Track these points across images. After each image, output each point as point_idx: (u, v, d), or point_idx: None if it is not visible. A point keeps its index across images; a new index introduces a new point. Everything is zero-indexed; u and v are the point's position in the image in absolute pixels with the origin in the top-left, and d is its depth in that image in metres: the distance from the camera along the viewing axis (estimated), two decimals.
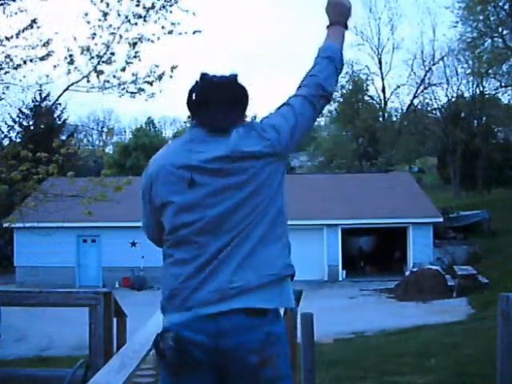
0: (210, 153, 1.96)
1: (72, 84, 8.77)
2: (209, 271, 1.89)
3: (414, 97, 41.09)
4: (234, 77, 2.08)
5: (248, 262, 1.89)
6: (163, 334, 1.89)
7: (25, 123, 28.36)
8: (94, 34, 8.46)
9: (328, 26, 2.23)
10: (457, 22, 31.57)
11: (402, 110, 42.95)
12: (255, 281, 1.87)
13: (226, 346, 1.86)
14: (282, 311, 1.98)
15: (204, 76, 2.08)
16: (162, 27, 8.57)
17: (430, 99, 41.60)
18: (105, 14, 8.43)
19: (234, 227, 1.91)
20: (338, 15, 2.22)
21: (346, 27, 2.24)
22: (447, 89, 40.35)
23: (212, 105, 2.03)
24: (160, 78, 8.62)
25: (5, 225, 11.68)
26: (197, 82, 2.09)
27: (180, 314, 1.90)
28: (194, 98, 2.08)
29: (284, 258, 1.96)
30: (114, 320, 4.19)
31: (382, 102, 42.48)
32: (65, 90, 8.99)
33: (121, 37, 8.58)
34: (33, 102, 26.58)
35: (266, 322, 1.88)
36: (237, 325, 1.86)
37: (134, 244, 20.61)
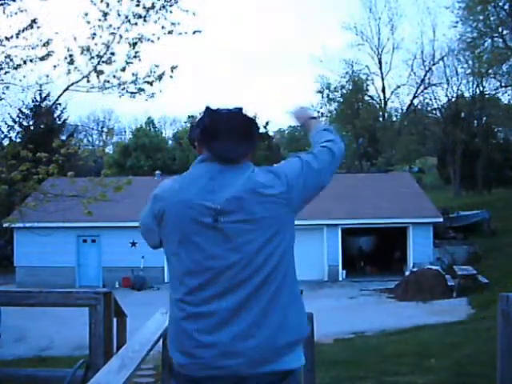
0: (228, 191, 1.95)
1: (72, 84, 8.77)
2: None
3: (414, 97, 41.13)
4: (240, 110, 2.11)
5: (279, 325, 1.92)
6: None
7: (25, 123, 28.36)
8: (94, 34, 8.46)
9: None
10: (457, 22, 31.61)
11: (402, 110, 43.00)
12: (288, 347, 1.93)
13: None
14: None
15: (211, 110, 2.10)
16: (162, 27, 8.57)
17: (430, 99, 41.66)
18: (105, 14, 8.43)
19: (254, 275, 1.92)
20: (305, 118, 2.49)
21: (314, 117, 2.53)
22: (447, 89, 40.41)
23: (223, 137, 2.03)
24: (160, 78, 8.62)
25: (5, 225, 11.67)
26: (204, 116, 2.10)
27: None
28: (203, 131, 2.08)
29: (305, 318, 2.03)
30: (114, 320, 4.19)
31: (382, 102, 42.50)
32: (65, 90, 8.99)
33: (121, 37, 8.58)
34: (33, 101, 26.60)
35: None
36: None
37: (133, 244, 20.60)
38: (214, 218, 1.92)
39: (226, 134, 2.04)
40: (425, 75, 40.11)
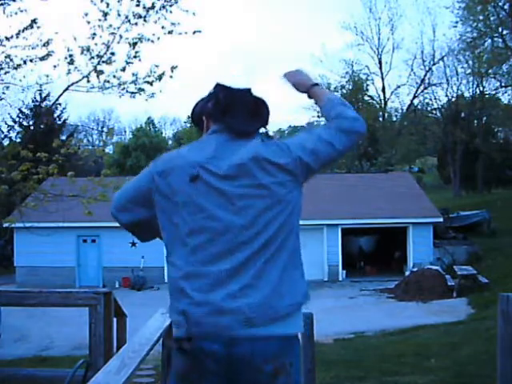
0: (232, 158, 1.96)
1: (72, 84, 8.77)
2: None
3: (414, 97, 41.13)
4: (249, 89, 2.13)
5: (275, 286, 1.90)
6: (179, 340, 1.92)
7: (25, 123, 28.37)
8: (94, 34, 8.47)
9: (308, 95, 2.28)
10: (457, 22, 31.62)
11: (402, 110, 43.02)
12: (283, 309, 1.90)
13: (240, 355, 1.86)
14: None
15: (223, 86, 2.10)
16: (162, 27, 8.58)
17: (430, 99, 41.69)
18: (105, 14, 8.43)
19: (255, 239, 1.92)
20: (306, 86, 2.27)
21: (316, 84, 2.27)
22: (447, 89, 40.43)
23: (237, 111, 2.05)
24: (160, 78, 8.63)
25: (5, 225, 11.67)
26: (216, 91, 2.11)
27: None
28: (216, 104, 2.08)
29: (305, 285, 2.01)
30: (114, 320, 4.19)
31: (382, 102, 42.50)
32: (65, 90, 8.99)
33: (121, 37, 8.59)
34: (33, 101, 26.61)
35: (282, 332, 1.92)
36: (253, 336, 1.87)
37: (133, 244, 20.58)
38: (217, 181, 1.94)
39: (240, 108, 2.05)
40: (425, 75, 40.13)
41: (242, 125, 2.03)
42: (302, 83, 2.28)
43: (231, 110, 2.05)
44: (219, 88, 2.10)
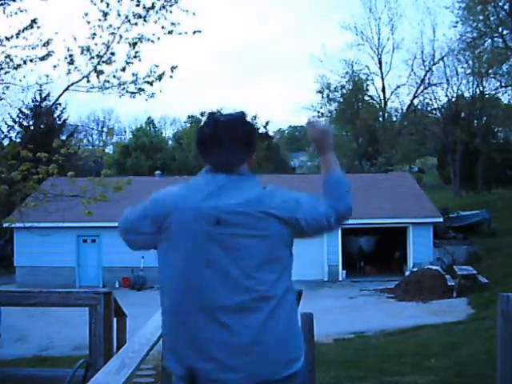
0: (233, 203, 1.98)
1: (72, 84, 8.76)
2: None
3: (414, 97, 41.13)
4: (241, 114, 2.14)
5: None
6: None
7: (25, 123, 28.37)
8: (94, 34, 8.46)
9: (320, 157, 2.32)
10: (457, 22, 31.62)
11: (402, 110, 43.01)
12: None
13: None
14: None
15: (207, 120, 2.13)
16: (162, 27, 8.57)
17: (430, 99, 41.67)
18: (105, 14, 8.43)
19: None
20: (323, 148, 2.29)
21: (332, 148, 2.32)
22: (447, 89, 40.42)
23: (223, 145, 2.06)
24: (160, 78, 8.62)
25: (5, 225, 11.66)
26: (206, 122, 2.14)
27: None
28: (198, 144, 2.13)
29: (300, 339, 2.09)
30: (114, 320, 4.19)
31: (382, 102, 42.50)
32: (65, 90, 8.98)
33: (121, 37, 8.58)
34: (33, 101, 26.63)
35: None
36: None
37: None
38: (218, 226, 1.95)
39: (224, 141, 2.07)
40: (425, 75, 40.13)
41: (222, 159, 2.04)
42: (322, 146, 2.29)
43: (214, 145, 2.07)
44: (205, 122, 2.14)
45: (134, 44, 8.59)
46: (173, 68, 8.63)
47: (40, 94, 23.49)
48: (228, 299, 1.90)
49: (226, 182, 2.01)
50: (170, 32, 8.58)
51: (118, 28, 8.52)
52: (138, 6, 8.52)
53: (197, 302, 1.93)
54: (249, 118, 2.23)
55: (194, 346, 1.92)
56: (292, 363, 1.96)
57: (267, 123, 48.01)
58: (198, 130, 2.16)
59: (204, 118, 2.20)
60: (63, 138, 25.51)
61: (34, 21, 8.35)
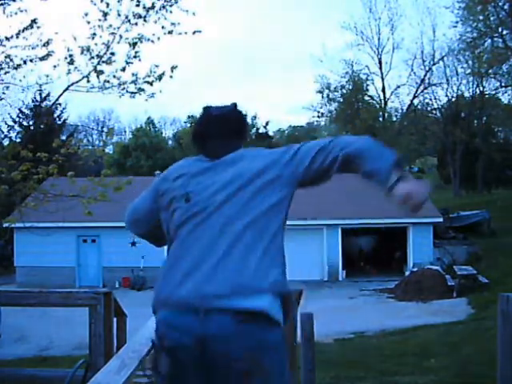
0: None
1: (72, 84, 8.76)
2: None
3: (414, 97, 41.07)
4: (233, 106, 2.22)
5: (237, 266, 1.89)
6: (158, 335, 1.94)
7: (25, 123, 28.35)
8: (94, 34, 8.45)
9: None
10: (457, 22, 31.58)
11: (402, 110, 42.92)
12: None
13: (214, 351, 1.81)
14: (280, 318, 1.92)
15: (205, 110, 2.23)
16: (162, 27, 8.57)
17: (430, 99, 41.61)
18: (105, 14, 8.43)
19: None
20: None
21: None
22: (447, 89, 40.37)
23: (212, 137, 2.16)
24: (160, 78, 8.62)
25: (5, 225, 11.66)
26: (199, 117, 2.26)
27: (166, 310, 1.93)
28: (196, 132, 2.23)
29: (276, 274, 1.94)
30: (114, 320, 4.19)
31: (382, 102, 42.44)
32: (65, 90, 8.98)
33: (121, 37, 8.58)
34: (33, 101, 26.58)
35: (258, 328, 1.82)
36: (227, 330, 1.80)
37: (133, 244, 20.58)
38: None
39: (217, 132, 2.16)
40: (425, 75, 40.08)
41: (216, 150, 2.12)
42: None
43: (208, 135, 2.17)
44: (199, 116, 2.25)
45: (134, 44, 8.59)
46: (173, 68, 8.63)
47: (40, 94, 23.45)
48: None
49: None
50: (170, 32, 8.58)
51: (118, 28, 8.53)
52: (137, 6, 8.52)
53: None
54: (242, 110, 2.28)
55: None
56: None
57: (267, 123, 48.05)
58: (193, 125, 2.31)
59: (199, 113, 2.27)
60: (63, 138, 25.50)
61: (34, 21, 8.35)
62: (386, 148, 2.07)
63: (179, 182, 2.09)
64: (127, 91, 8.74)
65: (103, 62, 8.59)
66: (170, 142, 52.61)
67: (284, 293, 1.92)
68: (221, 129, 2.15)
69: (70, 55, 8.49)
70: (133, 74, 8.68)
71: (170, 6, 8.58)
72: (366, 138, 2.14)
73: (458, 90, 40.13)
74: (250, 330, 1.81)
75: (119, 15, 8.49)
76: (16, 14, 8.39)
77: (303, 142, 2.16)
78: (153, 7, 8.56)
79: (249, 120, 46.57)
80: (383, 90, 42.16)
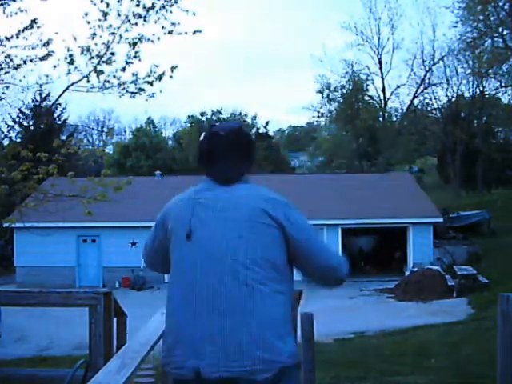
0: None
1: (72, 84, 8.76)
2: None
3: (414, 97, 41.11)
4: (240, 126, 2.16)
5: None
6: None
7: (25, 123, 28.37)
8: (94, 34, 8.45)
9: None
10: (457, 22, 31.60)
11: (402, 110, 42.98)
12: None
13: None
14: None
15: (211, 129, 2.15)
16: (162, 27, 8.57)
17: (430, 99, 41.66)
18: (105, 14, 8.43)
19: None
20: None
21: None
22: (447, 89, 40.41)
23: (219, 158, 2.10)
24: (160, 78, 8.62)
25: (5, 225, 11.66)
26: (205, 135, 2.16)
27: None
28: (202, 151, 2.15)
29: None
30: (114, 320, 4.19)
31: (382, 102, 42.47)
32: (65, 90, 8.98)
33: (121, 37, 8.58)
34: (33, 101, 26.60)
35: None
36: None
37: (133, 244, 20.60)
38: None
39: (224, 154, 2.10)
40: (425, 75, 40.11)
41: (223, 171, 2.08)
42: None
43: (214, 158, 2.11)
44: (205, 135, 2.16)
45: (134, 44, 8.59)
46: (173, 68, 8.63)
47: (40, 94, 23.47)
48: None
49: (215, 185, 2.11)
50: (170, 32, 8.57)
51: (118, 28, 8.53)
52: (137, 6, 8.52)
53: None
54: (247, 129, 2.25)
55: None
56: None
57: (267, 123, 48.02)
58: (198, 144, 2.19)
59: (204, 133, 2.20)
60: (63, 138, 25.52)
61: (34, 21, 8.35)
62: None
63: (181, 217, 2.05)
64: (127, 91, 8.74)
65: (103, 61, 8.59)
66: (170, 142, 52.59)
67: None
68: (230, 150, 2.10)
69: (70, 55, 8.49)
70: (133, 74, 8.69)
71: (170, 6, 8.58)
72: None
73: (458, 89, 40.21)
74: None
75: (119, 15, 8.49)
76: (16, 14, 8.39)
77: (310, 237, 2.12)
78: (153, 7, 8.56)
79: (249, 120, 46.62)
80: (383, 90, 42.21)
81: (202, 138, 2.18)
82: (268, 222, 1.98)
